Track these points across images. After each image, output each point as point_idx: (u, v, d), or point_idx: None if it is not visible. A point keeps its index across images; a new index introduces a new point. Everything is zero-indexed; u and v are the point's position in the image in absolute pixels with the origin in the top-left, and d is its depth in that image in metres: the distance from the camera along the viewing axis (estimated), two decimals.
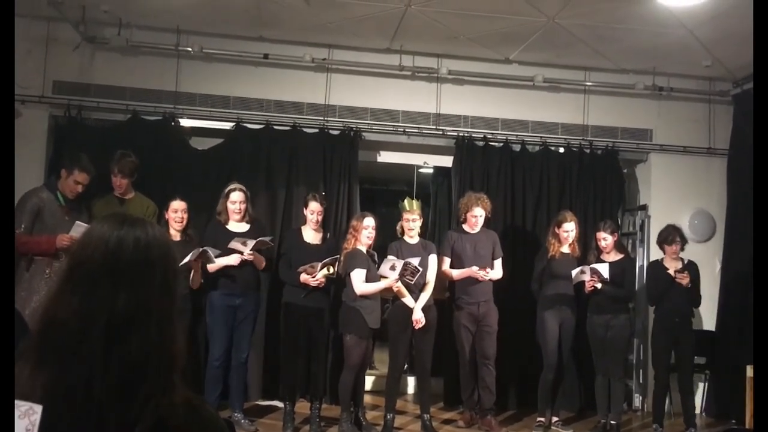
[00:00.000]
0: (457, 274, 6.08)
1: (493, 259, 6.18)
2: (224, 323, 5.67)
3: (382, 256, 5.74)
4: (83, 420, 1.20)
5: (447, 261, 6.12)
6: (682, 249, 6.13)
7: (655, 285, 6.19)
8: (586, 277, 5.96)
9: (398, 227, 5.99)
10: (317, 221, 5.82)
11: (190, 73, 6.85)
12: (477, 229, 6.15)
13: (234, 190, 5.76)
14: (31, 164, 6.21)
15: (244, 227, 5.78)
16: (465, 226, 6.20)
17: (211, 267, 5.60)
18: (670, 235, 6.12)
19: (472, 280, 6.01)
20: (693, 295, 6.10)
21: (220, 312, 5.67)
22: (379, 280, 5.60)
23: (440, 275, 6.05)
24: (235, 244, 5.57)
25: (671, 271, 6.02)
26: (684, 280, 5.95)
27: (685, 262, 6.13)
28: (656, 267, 6.24)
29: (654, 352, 6.23)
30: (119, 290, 1.27)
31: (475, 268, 5.96)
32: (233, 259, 5.59)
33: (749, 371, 5.30)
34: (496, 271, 6.14)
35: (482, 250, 6.12)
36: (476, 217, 6.09)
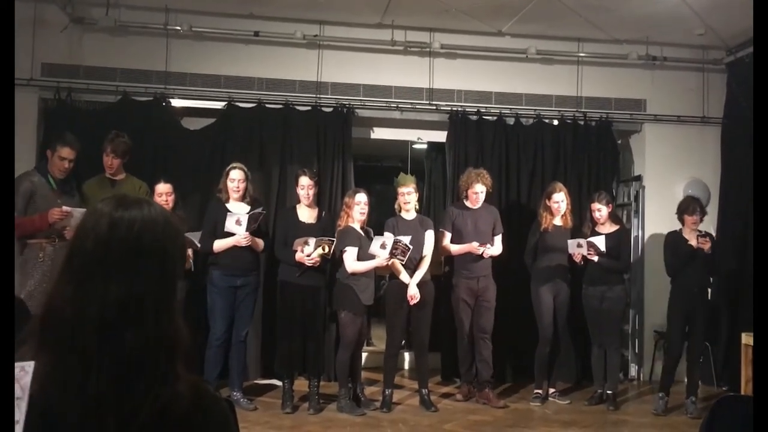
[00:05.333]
0: (456, 249, 6.08)
1: (494, 235, 6.16)
2: (226, 302, 5.70)
3: (379, 233, 5.74)
4: (80, 412, 1.17)
5: (448, 236, 6.12)
6: (701, 220, 6.01)
7: (676, 256, 6.01)
8: (584, 251, 5.95)
9: (396, 204, 5.98)
10: (308, 196, 5.80)
11: (180, 53, 6.79)
12: (478, 205, 6.14)
13: (234, 168, 5.77)
14: (22, 148, 6.09)
15: (245, 208, 5.75)
16: (466, 202, 6.19)
17: (200, 249, 5.66)
18: (690, 206, 5.99)
19: (472, 255, 6.01)
20: (712, 265, 6.00)
21: (222, 292, 5.70)
22: (372, 257, 5.60)
23: (439, 250, 6.06)
24: (230, 226, 5.58)
25: (693, 242, 5.90)
26: (706, 245, 5.81)
27: (702, 233, 5.98)
28: (676, 238, 6.05)
29: (669, 322, 6.12)
30: (111, 280, 1.22)
31: (475, 244, 5.97)
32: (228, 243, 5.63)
33: (744, 338, 5.34)
34: (496, 248, 6.13)
35: (483, 225, 6.11)
36: (477, 193, 6.07)
